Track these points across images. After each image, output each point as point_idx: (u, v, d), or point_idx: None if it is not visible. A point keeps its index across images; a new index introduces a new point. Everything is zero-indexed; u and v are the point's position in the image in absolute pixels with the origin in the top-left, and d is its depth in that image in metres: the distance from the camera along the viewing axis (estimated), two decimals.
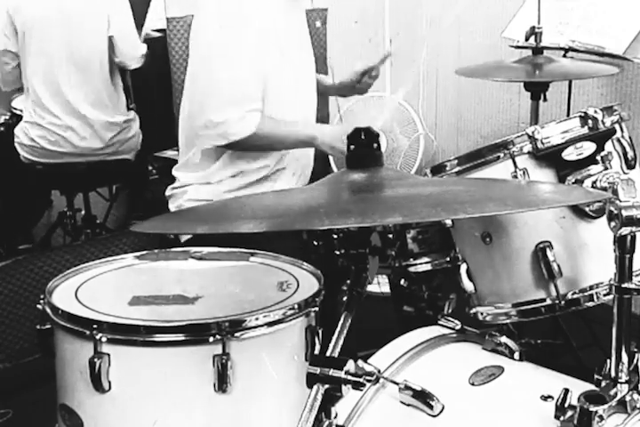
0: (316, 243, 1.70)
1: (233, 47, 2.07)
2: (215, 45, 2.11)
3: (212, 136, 2.11)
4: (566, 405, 1.31)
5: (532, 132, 1.56)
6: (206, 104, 2.10)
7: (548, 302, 1.59)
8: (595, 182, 1.55)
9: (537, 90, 2.60)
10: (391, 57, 2.32)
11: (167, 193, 2.32)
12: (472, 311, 1.72)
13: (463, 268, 1.70)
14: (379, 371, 1.50)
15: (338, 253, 1.59)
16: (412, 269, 1.81)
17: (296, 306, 1.49)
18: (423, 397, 1.44)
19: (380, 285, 2.05)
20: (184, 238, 2.17)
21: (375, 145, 1.34)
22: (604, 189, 1.52)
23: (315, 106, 2.33)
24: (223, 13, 2.13)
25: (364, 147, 1.33)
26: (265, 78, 2.10)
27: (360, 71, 2.35)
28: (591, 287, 1.56)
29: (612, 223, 1.31)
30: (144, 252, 1.79)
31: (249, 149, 2.16)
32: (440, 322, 1.72)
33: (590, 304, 1.57)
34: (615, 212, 1.29)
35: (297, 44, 2.25)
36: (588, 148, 1.57)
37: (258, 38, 2.07)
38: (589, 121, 1.57)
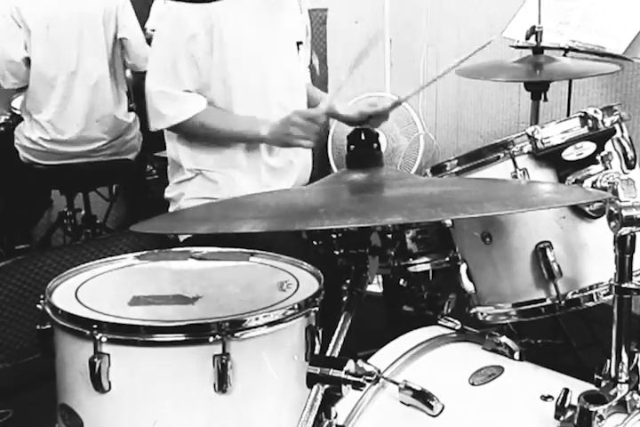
0: (315, 243, 1.70)
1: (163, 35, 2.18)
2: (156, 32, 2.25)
3: (157, 117, 2.16)
4: (566, 405, 1.31)
5: (532, 132, 1.56)
6: (146, 84, 2.18)
7: (548, 302, 1.59)
8: (595, 182, 1.55)
9: (537, 90, 2.60)
10: (399, 104, 2.26)
11: (166, 195, 2.32)
12: (472, 311, 1.72)
13: (463, 268, 1.70)
14: (379, 371, 1.50)
15: (338, 253, 1.59)
16: (411, 268, 1.81)
17: (296, 306, 1.49)
18: (423, 397, 1.44)
19: (376, 284, 2.05)
20: (183, 238, 2.17)
21: (375, 145, 1.34)
22: (604, 189, 1.52)
23: (302, 90, 2.33)
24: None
25: (363, 147, 1.33)
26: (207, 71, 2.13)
27: (367, 114, 2.26)
28: (591, 287, 1.56)
29: (612, 223, 1.31)
30: (144, 252, 1.79)
31: (195, 135, 2.21)
32: (440, 322, 1.72)
33: (590, 304, 1.57)
34: (615, 212, 1.30)
35: (276, 49, 2.25)
36: (588, 148, 1.57)
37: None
38: (589, 121, 1.57)
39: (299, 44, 2.31)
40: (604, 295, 1.54)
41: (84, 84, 3.25)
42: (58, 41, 3.19)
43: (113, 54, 3.31)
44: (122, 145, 3.39)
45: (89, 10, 3.23)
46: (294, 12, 2.31)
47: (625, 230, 1.30)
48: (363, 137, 1.33)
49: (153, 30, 3.71)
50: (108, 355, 1.42)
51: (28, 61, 3.21)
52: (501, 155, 1.58)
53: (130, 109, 3.45)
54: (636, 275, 1.39)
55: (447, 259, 1.80)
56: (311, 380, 1.17)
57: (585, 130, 1.58)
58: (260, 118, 2.18)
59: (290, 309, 1.49)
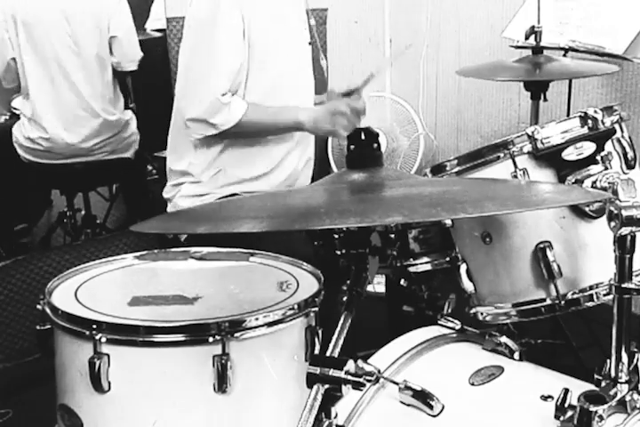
0: (316, 243, 1.70)
1: (202, 47, 2.13)
2: (186, 46, 2.19)
3: (202, 127, 2.13)
4: (566, 405, 1.31)
5: (532, 132, 1.56)
6: (186, 99, 2.16)
7: (548, 302, 1.59)
8: (595, 182, 1.55)
9: (537, 90, 2.60)
10: (374, 78, 2.26)
11: (164, 195, 2.33)
12: (472, 311, 1.72)
13: (463, 268, 1.70)
14: (379, 371, 1.49)
15: (338, 253, 1.59)
16: (412, 269, 1.81)
17: (296, 306, 1.49)
18: (423, 397, 1.44)
19: (376, 284, 2.05)
20: (184, 237, 2.17)
21: (375, 145, 1.34)
22: (604, 189, 1.52)
23: (312, 92, 2.33)
24: (196, 13, 2.18)
25: (363, 147, 1.33)
26: (243, 69, 2.12)
27: (340, 94, 2.26)
28: (591, 287, 1.56)
29: (612, 223, 1.31)
30: (144, 252, 1.79)
31: (240, 136, 2.18)
32: (440, 322, 1.72)
33: (590, 304, 1.57)
34: (615, 212, 1.29)
35: (294, 33, 2.26)
36: (588, 148, 1.57)
37: (230, 34, 2.09)
38: (589, 121, 1.57)
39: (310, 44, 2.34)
40: (604, 295, 1.54)
41: (80, 82, 3.24)
42: (52, 40, 3.18)
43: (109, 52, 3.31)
44: (119, 143, 3.39)
45: (85, 8, 3.23)
46: (303, 14, 2.33)
47: (625, 230, 1.30)
48: (363, 137, 1.33)
49: (154, 30, 3.71)
50: (108, 355, 1.42)
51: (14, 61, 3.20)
52: (501, 155, 1.58)
53: (129, 108, 3.45)
54: (636, 275, 1.38)
55: (447, 259, 1.80)
56: (311, 380, 1.17)
57: (585, 130, 1.58)
58: (294, 106, 2.19)
59: (290, 309, 1.49)
